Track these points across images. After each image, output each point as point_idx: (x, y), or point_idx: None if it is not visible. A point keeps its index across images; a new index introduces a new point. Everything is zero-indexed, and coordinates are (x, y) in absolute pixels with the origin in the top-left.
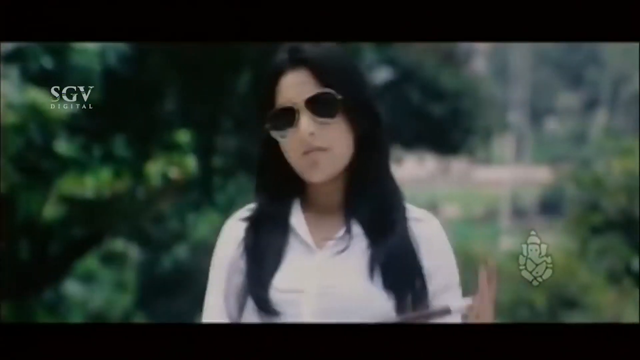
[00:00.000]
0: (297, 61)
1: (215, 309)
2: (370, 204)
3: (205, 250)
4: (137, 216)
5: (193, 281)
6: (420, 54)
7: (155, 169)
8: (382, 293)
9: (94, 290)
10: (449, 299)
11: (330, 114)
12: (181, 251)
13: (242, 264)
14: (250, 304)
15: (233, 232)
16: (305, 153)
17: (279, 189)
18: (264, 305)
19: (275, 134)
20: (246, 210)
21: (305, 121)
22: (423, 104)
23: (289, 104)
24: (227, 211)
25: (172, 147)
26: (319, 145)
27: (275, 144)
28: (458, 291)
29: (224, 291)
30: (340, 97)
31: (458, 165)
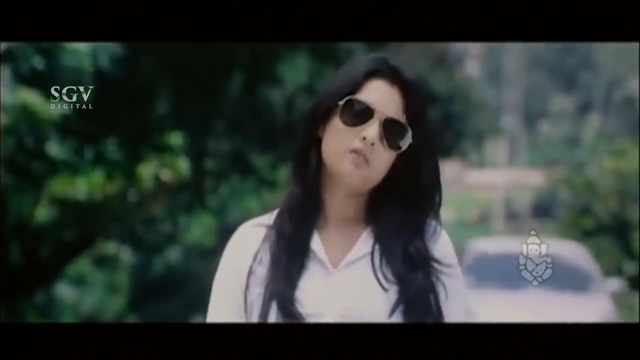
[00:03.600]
0: (393, 80)
1: (233, 316)
2: (396, 234)
3: (197, 253)
4: (129, 218)
5: (185, 284)
6: (412, 56)
7: (147, 171)
8: (403, 318)
9: (85, 293)
10: (459, 309)
11: (392, 145)
12: (173, 254)
13: (263, 274)
14: (273, 316)
15: (249, 240)
16: (352, 152)
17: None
18: (289, 313)
19: (344, 118)
20: (262, 218)
21: (374, 130)
22: None
23: (371, 106)
24: (219, 214)
25: (164, 150)
26: (369, 158)
27: (315, 145)
28: (464, 299)
29: (244, 300)
30: (412, 138)
31: (451, 168)
